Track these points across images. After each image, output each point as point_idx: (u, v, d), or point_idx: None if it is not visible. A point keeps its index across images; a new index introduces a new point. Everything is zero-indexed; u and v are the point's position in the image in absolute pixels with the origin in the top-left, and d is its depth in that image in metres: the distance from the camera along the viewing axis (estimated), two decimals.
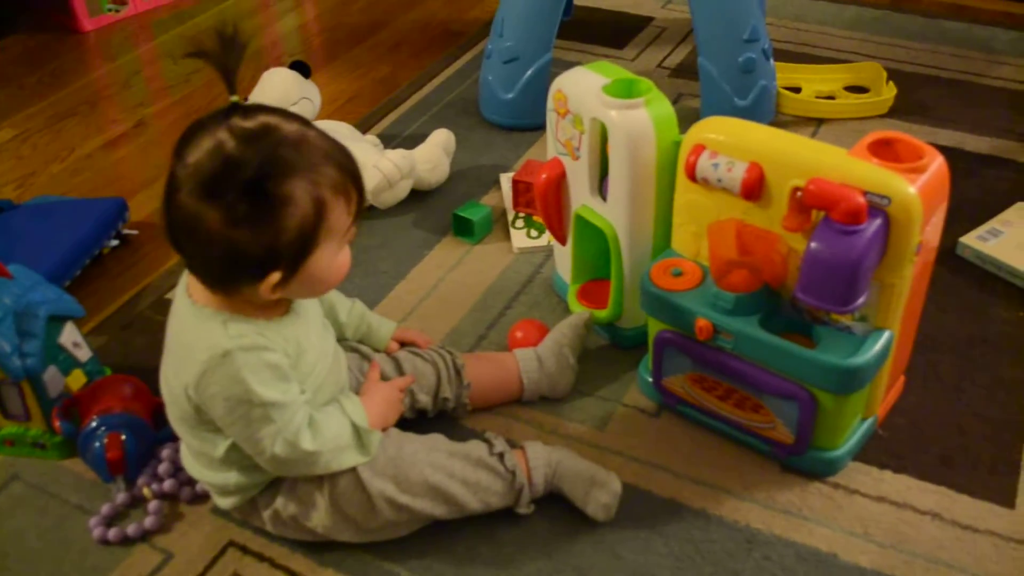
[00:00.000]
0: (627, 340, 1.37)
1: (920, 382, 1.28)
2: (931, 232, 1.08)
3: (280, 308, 1.02)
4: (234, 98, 0.95)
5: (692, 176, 1.13)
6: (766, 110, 1.87)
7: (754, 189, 1.08)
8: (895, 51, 2.17)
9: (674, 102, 1.97)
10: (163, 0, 2.56)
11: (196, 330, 0.97)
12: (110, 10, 2.46)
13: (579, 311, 1.35)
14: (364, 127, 1.93)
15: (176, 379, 1.00)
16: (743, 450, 1.20)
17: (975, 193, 1.65)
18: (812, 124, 1.90)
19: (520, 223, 1.62)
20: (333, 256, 0.97)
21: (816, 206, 1.03)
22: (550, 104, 1.30)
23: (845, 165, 1.04)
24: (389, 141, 1.87)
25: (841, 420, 1.13)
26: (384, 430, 1.10)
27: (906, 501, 1.13)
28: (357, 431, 1.05)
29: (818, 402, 1.10)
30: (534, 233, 1.60)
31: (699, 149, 1.12)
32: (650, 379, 1.26)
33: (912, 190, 1.01)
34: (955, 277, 1.47)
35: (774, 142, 1.10)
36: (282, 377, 0.98)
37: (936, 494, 1.14)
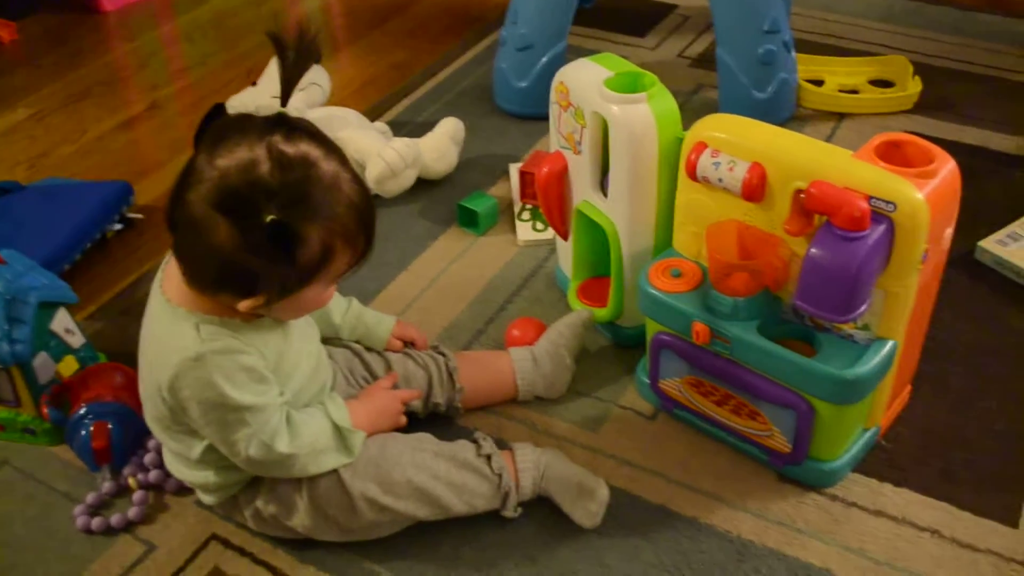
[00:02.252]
0: (628, 339, 1.34)
1: (928, 391, 1.24)
2: (940, 239, 1.04)
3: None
4: (282, 109, 0.91)
5: (693, 175, 1.10)
6: (786, 103, 1.82)
7: (755, 190, 1.05)
8: (925, 44, 2.10)
9: (693, 93, 1.96)
10: None
11: (169, 331, 0.96)
12: None
13: (579, 309, 1.33)
14: (376, 113, 1.91)
15: (150, 379, 0.98)
16: (739, 458, 1.17)
17: (997, 194, 1.60)
18: (833, 119, 1.85)
19: (527, 215, 1.59)
20: (321, 292, 0.96)
21: (817, 211, 0.99)
22: (552, 96, 1.26)
23: (850, 168, 1.00)
24: (401, 128, 1.84)
25: (840, 431, 1.10)
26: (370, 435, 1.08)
27: (905, 516, 1.09)
28: (339, 432, 1.04)
29: (816, 412, 1.06)
30: (540, 226, 1.57)
31: (700, 147, 1.09)
32: (647, 381, 1.23)
33: (919, 196, 0.97)
34: (972, 282, 1.42)
35: (777, 142, 1.06)
36: (258, 379, 0.96)
37: (937, 510, 1.10)
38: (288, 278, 0.90)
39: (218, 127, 0.89)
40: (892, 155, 1.03)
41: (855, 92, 1.92)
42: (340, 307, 1.21)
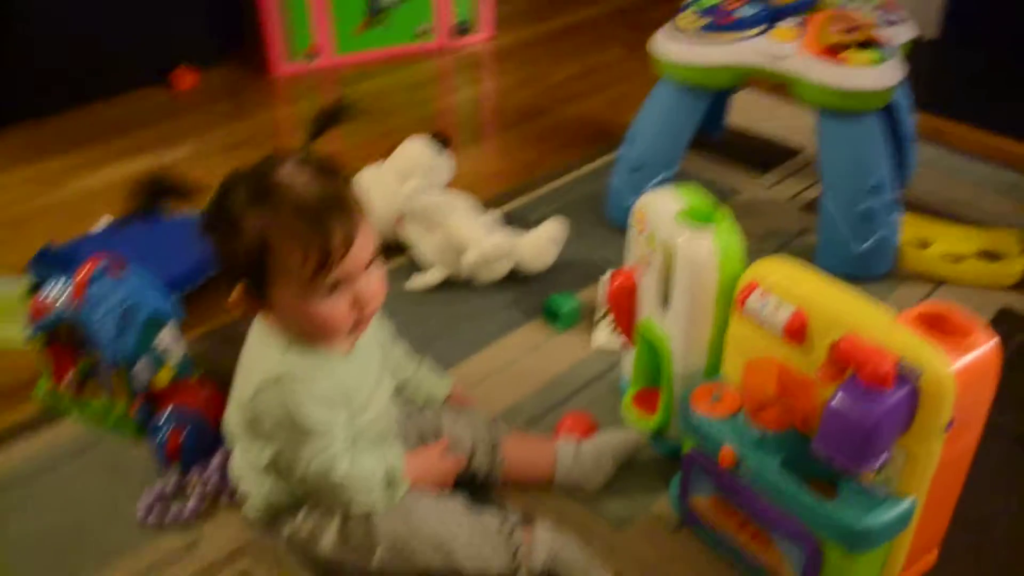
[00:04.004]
0: (672, 451, 1.39)
1: (957, 563, 1.23)
2: (970, 412, 1.07)
3: (343, 346, 1.12)
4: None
5: (742, 311, 1.17)
6: (883, 261, 1.85)
7: (795, 335, 1.11)
8: None
9: (797, 236, 2.00)
10: (351, 58, 2.79)
11: (259, 349, 1.10)
12: (304, 58, 2.71)
13: (633, 432, 1.38)
14: (497, 203, 2.05)
15: (240, 390, 1.12)
16: None
17: None
18: (931, 283, 1.86)
19: (607, 323, 1.68)
20: (298, 299, 1.03)
21: (845, 363, 1.05)
22: (631, 218, 1.36)
23: (886, 329, 1.05)
24: (514, 220, 1.96)
25: None
26: None
27: None
28: (390, 478, 1.13)
29: (824, 554, 1.10)
30: (615, 335, 1.65)
31: (752, 287, 1.16)
32: (677, 494, 1.29)
33: (947, 368, 1.01)
34: None
35: (824, 292, 1.12)
36: (329, 406, 1.08)
37: None
38: (243, 264, 1.02)
39: None
40: (938, 323, 1.07)
41: (960, 259, 1.93)
42: (409, 368, 1.34)
